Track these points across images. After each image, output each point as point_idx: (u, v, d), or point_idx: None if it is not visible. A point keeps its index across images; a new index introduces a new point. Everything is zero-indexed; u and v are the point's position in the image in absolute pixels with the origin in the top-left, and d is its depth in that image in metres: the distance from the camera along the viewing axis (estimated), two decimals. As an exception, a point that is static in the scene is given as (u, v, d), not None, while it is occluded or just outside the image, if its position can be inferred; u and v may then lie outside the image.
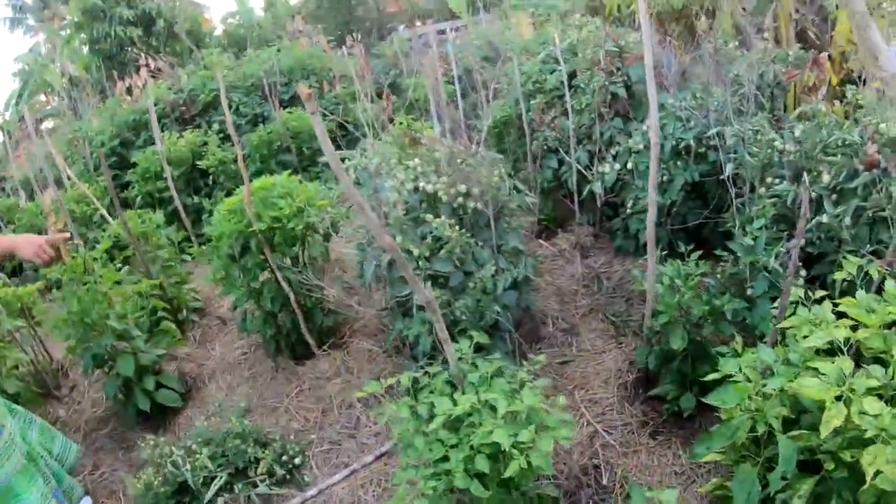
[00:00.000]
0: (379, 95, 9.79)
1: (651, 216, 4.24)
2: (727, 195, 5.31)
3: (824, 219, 4.17)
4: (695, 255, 4.31)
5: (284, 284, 5.03)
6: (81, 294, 4.85)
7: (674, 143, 5.61)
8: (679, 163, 5.65)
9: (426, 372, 3.38)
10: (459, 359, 3.34)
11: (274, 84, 9.77)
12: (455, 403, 3.04)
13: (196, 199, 8.51)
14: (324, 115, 9.57)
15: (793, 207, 4.50)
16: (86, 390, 6.11)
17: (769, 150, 4.74)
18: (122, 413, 5.29)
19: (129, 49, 15.68)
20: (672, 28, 8.44)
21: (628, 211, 6.06)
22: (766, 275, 4.07)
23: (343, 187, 2.60)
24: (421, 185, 4.36)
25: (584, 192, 6.34)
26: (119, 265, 6.28)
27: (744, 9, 7.99)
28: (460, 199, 4.44)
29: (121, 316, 5.01)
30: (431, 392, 3.27)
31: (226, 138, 9.23)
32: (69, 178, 8.61)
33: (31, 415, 3.67)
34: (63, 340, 5.00)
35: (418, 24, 18.43)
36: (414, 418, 3.13)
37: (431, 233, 4.31)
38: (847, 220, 4.07)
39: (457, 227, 4.24)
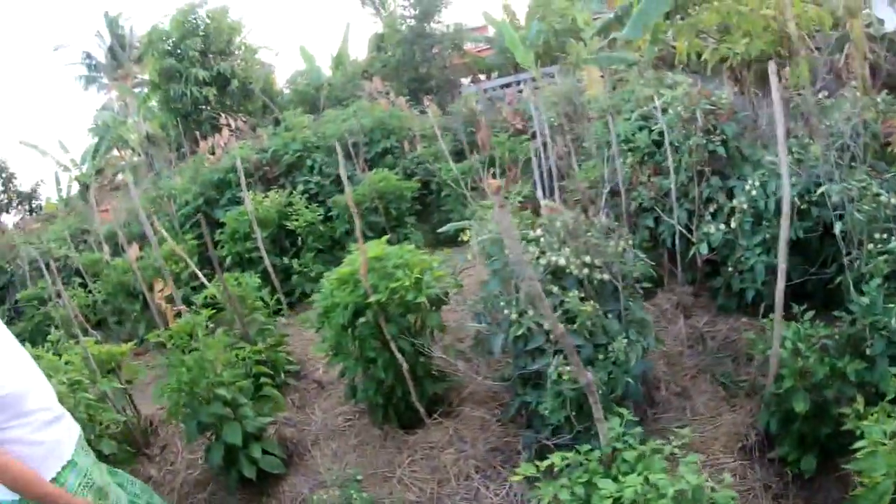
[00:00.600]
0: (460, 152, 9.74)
1: (780, 287, 4.14)
2: (830, 251, 5.25)
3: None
4: (808, 315, 4.23)
5: (398, 354, 4.89)
6: (189, 363, 4.78)
7: (776, 200, 5.42)
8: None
9: (575, 449, 3.27)
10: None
11: (356, 144, 9.81)
12: (617, 483, 2.92)
13: (285, 259, 8.50)
14: (407, 174, 9.58)
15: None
16: (179, 451, 6.00)
17: (874, 205, 4.62)
18: (223, 478, 5.14)
19: (205, 108, 16.01)
20: (745, 76, 8.20)
21: (730, 270, 5.86)
22: (885, 334, 3.90)
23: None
24: (548, 257, 4.23)
25: (690, 253, 6.14)
26: (213, 325, 6.24)
27: (818, 49, 7.75)
28: (586, 271, 4.30)
29: (228, 384, 4.91)
30: (586, 472, 3.15)
31: (311, 198, 9.24)
32: (156, 234, 8.68)
33: (130, 477, 3.61)
34: (170, 412, 4.92)
35: (482, 77, 18.58)
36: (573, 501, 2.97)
37: (562, 305, 4.16)
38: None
39: (590, 301, 4.08)
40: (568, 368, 4.00)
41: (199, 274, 6.86)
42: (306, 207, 8.79)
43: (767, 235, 5.52)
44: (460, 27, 18.25)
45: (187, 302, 7.03)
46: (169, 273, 6.98)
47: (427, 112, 11.83)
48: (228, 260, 8.49)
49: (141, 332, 8.90)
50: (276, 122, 12.66)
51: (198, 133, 14.76)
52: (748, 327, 5.69)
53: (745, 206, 5.57)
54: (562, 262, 4.19)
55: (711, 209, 6.24)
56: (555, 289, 4.24)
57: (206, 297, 6.51)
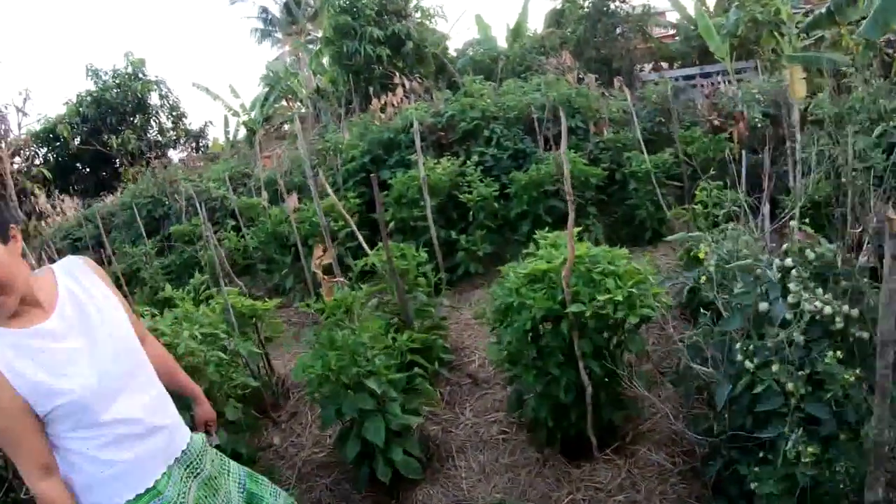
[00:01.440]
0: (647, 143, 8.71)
1: None
2: None
3: None
4: None
5: (584, 375, 4.09)
6: (340, 344, 4.18)
7: None
8: None
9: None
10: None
11: (541, 120, 8.96)
12: None
13: (452, 233, 7.84)
14: (591, 159, 8.68)
15: None
16: (309, 423, 5.54)
17: None
18: (353, 471, 4.61)
19: (377, 67, 15.66)
20: None
21: None
22: None
23: None
24: (812, 302, 3.26)
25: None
26: (368, 298, 5.68)
27: None
28: (841, 323, 3.33)
29: (380, 374, 4.29)
30: None
31: (485, 171, 8.51)
32: (319, 188, 8.27)
33: (275, 489, 2.88)
34: (309, 394, 4.40)
35: (664, 66, 17.21)
36: None
37: (810, 362, 3.22)
38: None
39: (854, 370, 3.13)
40: (811, 450, 3.09)
41: (359, 236, 6.30)
42: (480, 181, 8.04)
43: None
44: (648, 9, 16.89)
45: (341, 262, 6.55)
46: (328, 233, 6.46)
47: (613, 96, 10.83)
48: (391, 225, 7.92)
49: (289, 284, 8.59)
50: (452, 88, 12.02)
51: (370, 90, 14.46)
52: None
53: None
54: (828, 310, 3.22)
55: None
56: (800, 339, 3.29)
57: (364, 265, 5.94)
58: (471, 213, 7.89)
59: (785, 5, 10.79)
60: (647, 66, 17.35)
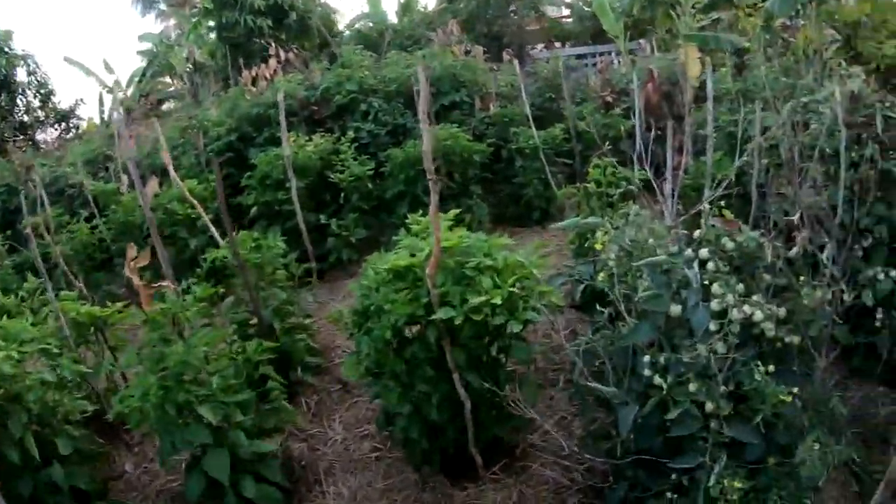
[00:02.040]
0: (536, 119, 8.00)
1: None
2: None
3: None
4: None
5: (461, 390, 3.27)
6: (169, 362, 3.23)
7: None
8: None
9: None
10: None
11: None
12: None
13: (322, 217, 6.83)
14: (476, 135, 7.87)
15: None
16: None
17: None
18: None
19: (258, 39, 14.31)
20: None
21: (877, 324, 4.27)
22: None
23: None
24: (733, 311, 2.55)
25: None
26: (221, 296, 4.72)
27: None
28: (772, 331, 2.64)
29: (218, 396, 3.36)
30: None
31: (361, 149, 7.54)
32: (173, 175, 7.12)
33: None
34: (133, 425, 3.46)
35: (557, 45, 16.61)
36: None
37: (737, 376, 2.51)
38: None
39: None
40: (737, 484, 2.40)
41: (210, 225, 5.25)
42: (354, 159, 7.08)
43: None
44: None
45: (202, 252, 5.52)
46: (155, 227, 5.33)
47: (502, 70, 10.06)
48: (254, 210, 6.85)
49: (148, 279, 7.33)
50: (333, 60, 10.93)
51: (245, 64, 13.12)
52: (886, 400, 4.42)
53: None
54: (759, 316, 2.51)
55: (865, 244, 4.70)
56: (722, 349, 2.59)
57: (213, 261, 4.93)
58: (342, 194, 6.89)
59: (682, -17, 10.30)
60: (540, 45, 16.72)
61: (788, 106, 5.96)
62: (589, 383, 2.93)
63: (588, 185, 5.51)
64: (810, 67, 7.54)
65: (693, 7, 9.94)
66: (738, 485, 2.49)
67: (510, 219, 8.10)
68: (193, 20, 18.39)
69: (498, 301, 2.92)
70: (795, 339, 2.78)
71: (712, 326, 2.57)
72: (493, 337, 3.25)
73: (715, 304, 2.59)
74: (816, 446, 2.61)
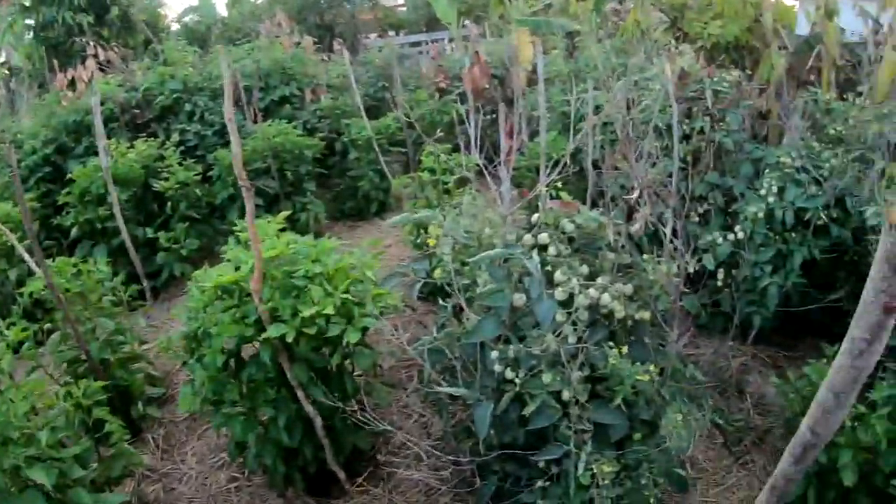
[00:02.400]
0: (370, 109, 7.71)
1: None
2: (844, 277, 4.60)
3: None
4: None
5: (309, 407, 2.95)
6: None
7: (794, 211, 4.44)
8: (796, 235, 4.51)
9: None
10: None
11: (250, 89, 7.47)
12: None
13: (149, 231, 6.15)
14: (307, 130, 7.44)
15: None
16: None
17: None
18: None
19: (78, 38, 12.91)
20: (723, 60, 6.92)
21: (718, 283, 4.51)
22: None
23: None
24: (580, 297, 2.39)
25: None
26: (44, 328, 4.14)
27: (785, 48, 6.62)
28: (622, 312, 2.52)
29: (51, 459, 2.87)
30: None
31: (188, 152, 6.90)
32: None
33: None
34: None
35: (391, 34, 16.28)
36: None
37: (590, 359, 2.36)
38: None
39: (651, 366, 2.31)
40: (607, 469, 2.25)
41: (26, 255, 4.55)
42: (180, 164, 6.40)
43: (781, 249, 4.50)
44: None
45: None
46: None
47: (333, 61, 9.65)
48: (75, 230, 6.05)
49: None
50: (156, 57, 10.02)
51: (63, 66, 11.79)
52: (736, 352, 4.73)
53: (760, 215, 4.45)
54: (607, 299, 2.37)
55: (700, 210, 5.02)
56: (569, 331, 2.43)
57: (30, 294, 4.29)
58: (170, 203, 6.24)
59: (513, -31, 10.29)
60: (374, 35, 16.34)
61: (620, 83, 6.08)
62: (439, 386, 2.69)
63: (422, 173, 5.30)
64: (640, 47, 7.78)
65: (522, -10, 9.95)
66: (607, 469, 2.37)
67: (349, 214, 7.78)
68: (9, 19, 16.50)
69: (330, 311, 2.62)
70: (645, 315, 2.68)
71: (559, 317, 2.40)
72: (334, 347, 2.94)
73: (560, 293, 2.43)
74: (679, 417, 2.53)
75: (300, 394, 2.96)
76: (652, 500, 2.49)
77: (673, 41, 6.04)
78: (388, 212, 7.64)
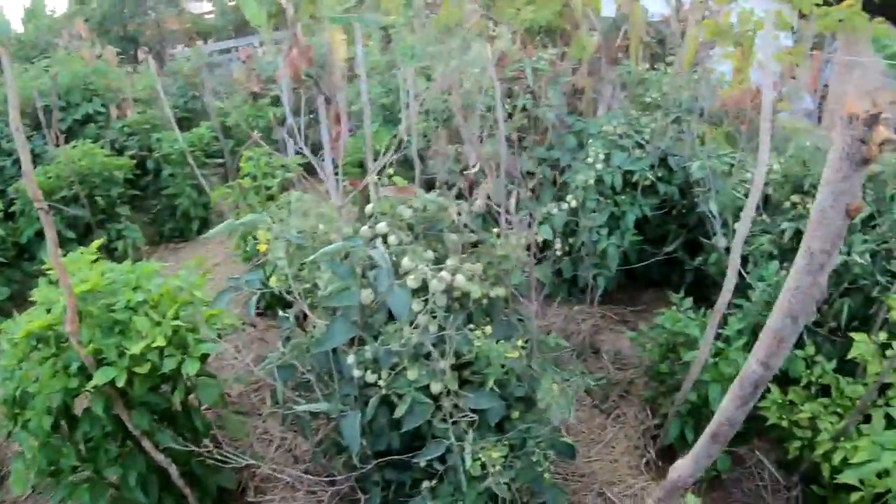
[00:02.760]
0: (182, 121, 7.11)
1: (731, 275, 2.99)
2: (675, 230, 4.88)
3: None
4: (686, 304, 3.59)
5: (159, 456, 2.59)
6: None
7: (622, 174, 4.64)
8: (626, 197, 4.71)
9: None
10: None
11: (49, 109, 6.58)
12: None
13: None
14: (116, 149, 6.73)
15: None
16: None
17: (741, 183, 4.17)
18: None
19: None
20: (536, 41, 7.10)
21: (558, 252, 4.53)
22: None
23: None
24: (434, 281, 2.24)
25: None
26: None
27: (594, 29, 6.97)
28: (473, 288, 2.41)
29: None
30: None
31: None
32: None
33: None
34: None
35: (200, 43, 15.29)
36: None
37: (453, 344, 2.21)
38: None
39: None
40: (496, 455, 2.19)
41: None
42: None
43: (614, 212, 4.68)
44: None
45: None
46: None
47: (139, 72, 8.87)
48: None
49: None
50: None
51: None
52: (584, 315, 4.83)
53: (591, 182, 4.55)
54: (460, 280, 2.22)
55: (531, 184, 5.04)
56: (428, 320, 2.27)
57: None
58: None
59: (321, -34, 9.93)
60: (180, 46, 15.28)
61: (440, 70, 6.03)
62: (296, 404, 2.43)
63: (241, 180, 4.92)
64: (457, 35, 7.78)
65: (332, -13, 9.66)
66: (495, 455, 2.25)
67: (169, 236, 6.98)
68: None
69: (162, 342, 2.27)
70: (501, 292, 2.57)
71: (416, 307, 2.22)
72: (173, 383, 2.58)
73: (412, 281, 2.24)
74: (555, 386, 2.44)
75: (146, 443, 2.57)
76: (546, 475, 2.39)
77: (491, 24, 6.03)
78: (211, 228, 7.03)
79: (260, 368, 2.47)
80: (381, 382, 2.26)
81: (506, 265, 2.59)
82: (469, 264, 2.42)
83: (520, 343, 2.35)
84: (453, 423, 2.28)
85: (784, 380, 3.32)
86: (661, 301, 5.08)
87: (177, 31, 15.04)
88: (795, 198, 3.92)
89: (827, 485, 3.05)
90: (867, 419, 2.94)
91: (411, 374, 2.20)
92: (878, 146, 1.10)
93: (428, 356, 2.27)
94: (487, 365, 2.29)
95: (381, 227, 2.48)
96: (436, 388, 2.25)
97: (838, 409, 3.08)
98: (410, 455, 2.39)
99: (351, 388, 2.34)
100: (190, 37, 15.24)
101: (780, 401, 3.23)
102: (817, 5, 4.95)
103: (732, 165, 4.35)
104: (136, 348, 2.24)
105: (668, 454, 3.58)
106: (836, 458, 2.85)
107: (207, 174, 6.85)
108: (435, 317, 2.20)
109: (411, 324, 2.24)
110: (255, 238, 4.76)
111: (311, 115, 8.66)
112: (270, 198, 4.99)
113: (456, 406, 2.28)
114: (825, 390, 3.17)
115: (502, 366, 2.30)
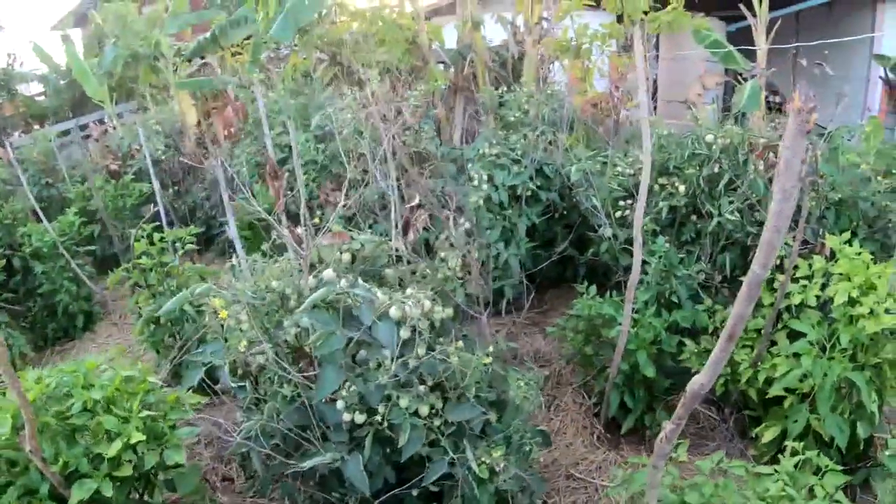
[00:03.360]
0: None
1: (637, 260, 3.32)
2: (562, 231, 5.16)
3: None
4: (592, 290, 3.95)
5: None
6: None
7: (508, 189, 4.92)
8: (513, 210, 4.98)
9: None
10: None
11: None
12: None
13: None
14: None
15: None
16: None
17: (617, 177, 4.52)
18: None
19: None
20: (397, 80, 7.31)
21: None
22: (684, 280, 3.83)
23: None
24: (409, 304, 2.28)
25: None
26: None
27: (443, 62, 7.42)
28: (437, 310, 2.48)
29: None
30: None
31: None
32: None
33: None
34: None
35: (36, 127, 14.12)
36: None
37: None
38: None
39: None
40: (497, 453, 2.39)
41: None
42: None
43: (505, 226, 4.96)
44: (10, 68, 13.62)
45: None
46: None
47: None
48: None
49: None
50: None
51: None
52: (500, 327, 5.00)
53: (481, 202, 4.81)
54: (427, 304, 2.26)
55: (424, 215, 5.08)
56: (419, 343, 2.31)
57: None
58: None
59: (164, 37, 9.42)
60: (17, 133, 14.04)
61: (316, 118, 6.09)
62: (288, 464, 2.33)
63: (140, 260, 4.61)
64: (313, 86, 7.81)
65: (178, 56, 9.30)
66: (497, 454, 2.37)
67: (54, 338, 6.17)
68: None
69: (140, 436, 2.10)
70: (449, 311, 2.61)
71: (405, 334, 2.22)
72: (146, 481, 2.38)
73: (394, 311, 2.25)
74: (523, 384, 2.55)
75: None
76: (537, 463, 2.48)
77: (361, 67, 6.08)
78: (99, 322, 6.41)
79: (230, 451, 2.34)
80: (377, 418, 2.23)
81: (448, 286, 2.64)
82: (422, 292, 2.45)
83: (490, 350, 2.41)
84: (446, 437, 2.32)
85: (694, 332, 3.77)
86: (562, 298, 5.37)
87: (13, 117, 13.91)
88: (663, 180, 4.33)
89: (756, 406, 3.44)
90: (773, 344, 3.34)
91: (403, 402, 2.20)
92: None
93: (409, 383, 2.28)
94: (462, 378, 2.33)
95: (328, 273, 2.45)
96: (423, 410, 2.26)
97: (747, 342, 3.48)
98: (407, 487, 2.37)
99: (340, 433, 2.28)
100: (26, 121, 14.10)
101: (696, 350, 3.62)
102: (645, 13, 5.48)
103: (604, 163, 4.69)
104: (111, 451, 2.05)
105: (614, 425, 3.87)
106: (761, 380, 3.22)
107: (82, 264, 6.36)
108: (423, 339, 2.23)
109: (398, 355, 2.25)
110: (156, 324, 4.47)
111: (175, 188, 8.30)
112: (168, 274, 4.71)
113: (445, 422, 2.30)
114: (731, 331, 3.60)
115: (476, 375, 2.35)
